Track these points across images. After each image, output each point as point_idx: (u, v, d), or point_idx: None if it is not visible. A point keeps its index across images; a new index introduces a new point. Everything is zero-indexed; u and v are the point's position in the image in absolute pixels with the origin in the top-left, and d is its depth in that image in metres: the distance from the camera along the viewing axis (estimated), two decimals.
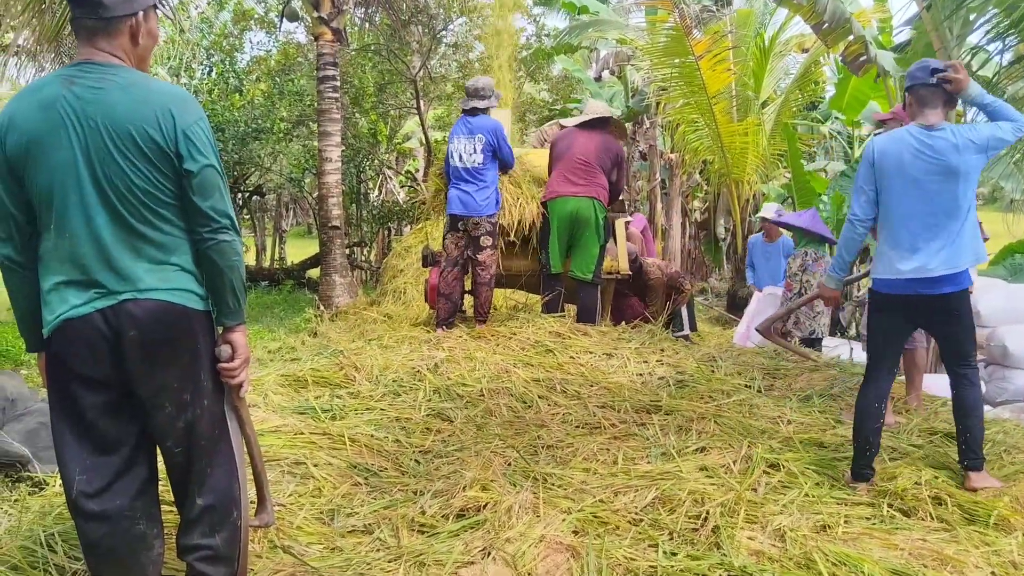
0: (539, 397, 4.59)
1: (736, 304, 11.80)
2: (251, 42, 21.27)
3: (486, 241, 5.98)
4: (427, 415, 4.32)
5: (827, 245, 6.91)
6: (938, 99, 3.39)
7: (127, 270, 2.06)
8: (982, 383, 5.36)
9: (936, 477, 3.43)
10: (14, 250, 2.11)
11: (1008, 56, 7.31)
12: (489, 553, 2.78)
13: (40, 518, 2.87)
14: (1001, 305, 6.49)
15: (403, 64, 14.70)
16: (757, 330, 5.10)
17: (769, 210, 8.09)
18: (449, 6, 14.32)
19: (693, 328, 8.16)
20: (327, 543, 2.92)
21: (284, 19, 11.70)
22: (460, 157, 5.94)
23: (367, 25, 14.05)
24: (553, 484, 3.40)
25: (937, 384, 5.23)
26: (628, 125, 13.54)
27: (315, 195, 13.42)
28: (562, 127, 6.88)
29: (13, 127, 2.04)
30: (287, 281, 14.91)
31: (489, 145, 5.90)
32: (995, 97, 3.43)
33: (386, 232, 17.83)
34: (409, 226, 16.59)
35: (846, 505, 3.24)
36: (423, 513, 3.13)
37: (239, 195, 17.02)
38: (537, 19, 17.95)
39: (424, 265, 6.79)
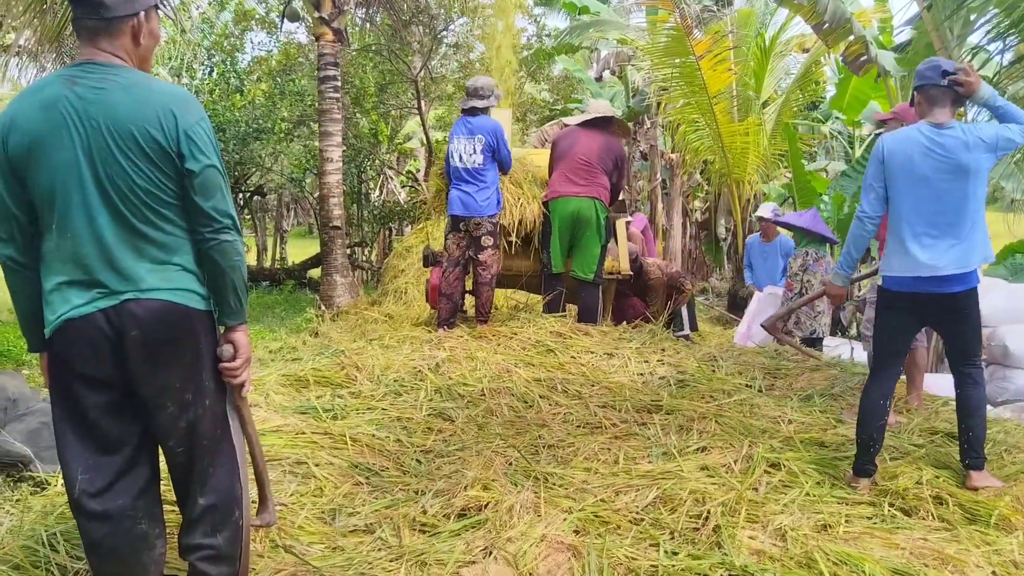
0: (540, 397, 4.60)
1: (737, 304, 11.80)
2: (252, 42, 21.24)
3: (487, 241, 5.98)
4: (428, 415, 4.32)
5: (828, 245, 6.91)
6: (947, 98, 3.39)
7: (129, 270, 2.06)
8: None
9: (937, 477, 3.44)
10: (16, 250, 2.11)
11: (1008, 56, 7.32)
12: (490, 552, 2.78)
13: (42, 518, 2.88)
14: (1001, 305, 6.47)
15: (404, 64, 14.70)
16: (763, 326, 5.12)
17: (766, 210, 8.10)
18: (450, 6, 14.32)
19: (694, 328, 8.16)
20: (329, 543, 2.92)
21: (285, 19, 11.70)
22: (460, 157, 5.94)
23: (368, 25, 14.05)
24: (554, 483, 3.40)
25: (938, 384, 5.23)
26: (629, 124, 13.52)
27: (316, 195, 13.42)
28: (565, 125, 6.87)
29: (15, 127, 2.04)
30: (288, 281, 14.92)
31: (489, 146, 5.90)
32: (1006, 100, 3.43)
33: (387, 232, 17.83)
34: (410, 226, 16.60)
35: (847, 504, 3.24)
36: (424, 512, 3.13)
37: (240, 195, 17.03)
38: (538, 19, 17.97)
39: (425, 265, 6.79)
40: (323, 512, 3.15)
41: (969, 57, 8.09)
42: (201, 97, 14.16)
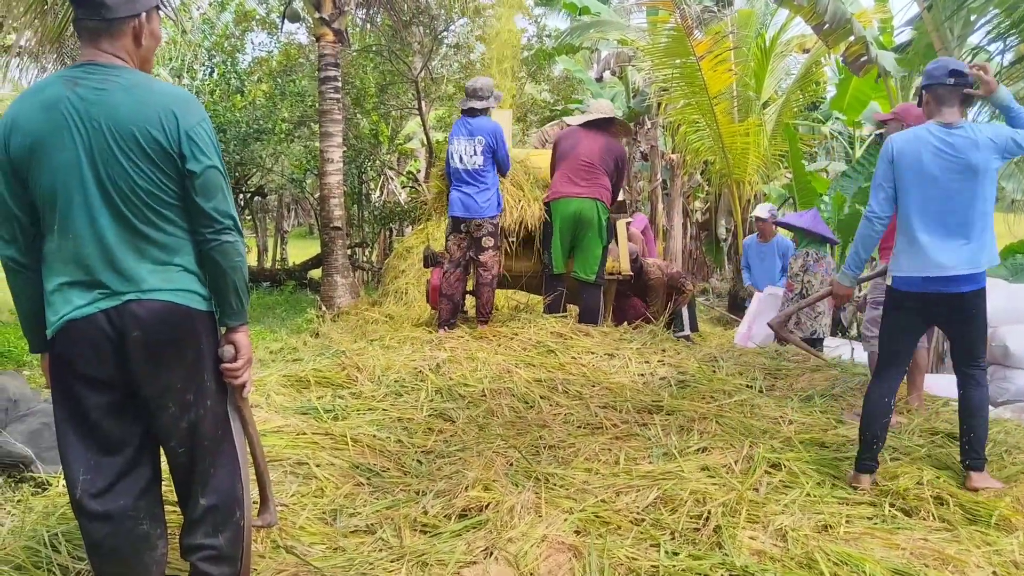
0: (541, 397, 4.60)
1: (737, 304, 11.80)
2: (253, 43, 21.30)
3: (488, 242, 5.98)
4: (429, 415, 4.32)
5: (828, 245, 6.91)
6: (956, 98, 3.40)
7: (131, 271, 2.07)
8: None
9: (938, 477, 3.44)
10: (18, 251, 2.11)
11: (1009, 56, 7.32)
12: (491, 553, 2.79)
13: (43, 518, 2.88)
14: (1002, 305, 6.48)
15: (404, 65, 14.70)
16: (770, 325, 5.13)
17: (763, 210, 8.11)
18: (450, 7, 14.32)
19: (694, 328, 8.16)
20: (330, 543, 2.93)
21: (285, 20, 11.71)
22: (460, 159, 5.94)
23: (368, 26, 14.06)
24: (555, 484, 3.40)
25: (938, 384, 5.23)
26: (630, 124, 13.52)
27: (317, 196, 13.43)
28: (566, 125, 6.87)
29: (16, 128, 2.04)
30: (289, 282, 14.92)
31: (489, 147, 5.90)
32: (1021, 105, 3.43)
33: (388, 233, 17.84)
34: (411, 227, 16.61)
35: (848, 505, 3.24)
36: (425, 513, 3.13)
37: (241, 196, 17.03)
38: (538, 20, 17.96)
39: (425, 266, 6.79)
40: (324, 512, 3.15)
41: (969, 58, 8.08)
42: (202, 98, 14.17)
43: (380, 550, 2.87)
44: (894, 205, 3.49)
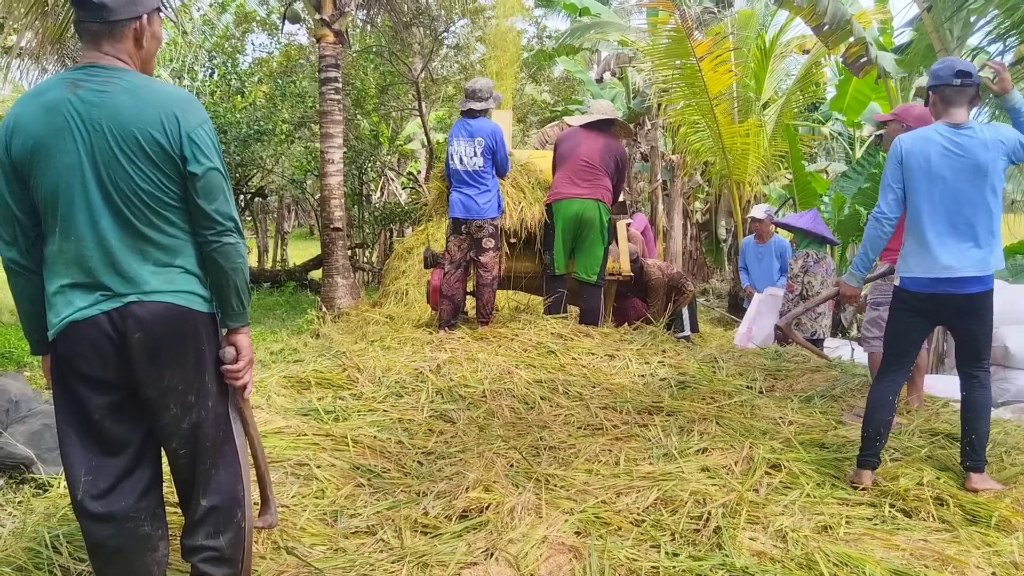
0: (541, 398, 4.60)
1: (737, 305, 11.80)
2: (253, 44, 21.33)
3: (489, 243, 5.99)
4: (430, 416, 4.33)
5: (828, 246, 6.91)
6: (964, 98, 3.40)
7: (132, 273, 2.07)
8: None
9: (938, 478, 3.45)
10: (19, 253, 2.12)
11: (1009, 57, 7.32)
12: (492, 554, 2.79)
13: (45, 520, 2.88)
14: (1001, 306, 6.46)
15: (405, 66, 14.71)
16: (778, 327, 5.14)
17: (759, 211, 8.11)
18: (451, 8, 14.34)
19: (695, 329, 8.16)
20: (330, 544, 2.93)
21: (286, 21, 11.72)
22: (460, 160, 5.94)
23: (369, 27, 14.07)
24: (555, 485, 3.41)
25: (937, 385, 5.24)
26: (631, 125, 13.53)
27: (317, 197, 13.44)
28: (567, 125, 6.87)
29: (18, 130, 2.05)
30: (289, 283, 14.91)
31: (489, 148, 5.90)
32: None
33: (388, 234, 17.84)
34: (411, 228, 16.61)
35: (848, 506, 3.25)
36: (426, 514, 3.14)
37: (241, 197, 17.04)
38: (538, 21, 17.98)
39: (426, 267, 6.79)
40: (325, 513, 3.16)
41: (969, 59, 8.09)
42: (202, 99, 14.17)
43: (381, 551, 2.88)
44: (903, 206, 3.49)
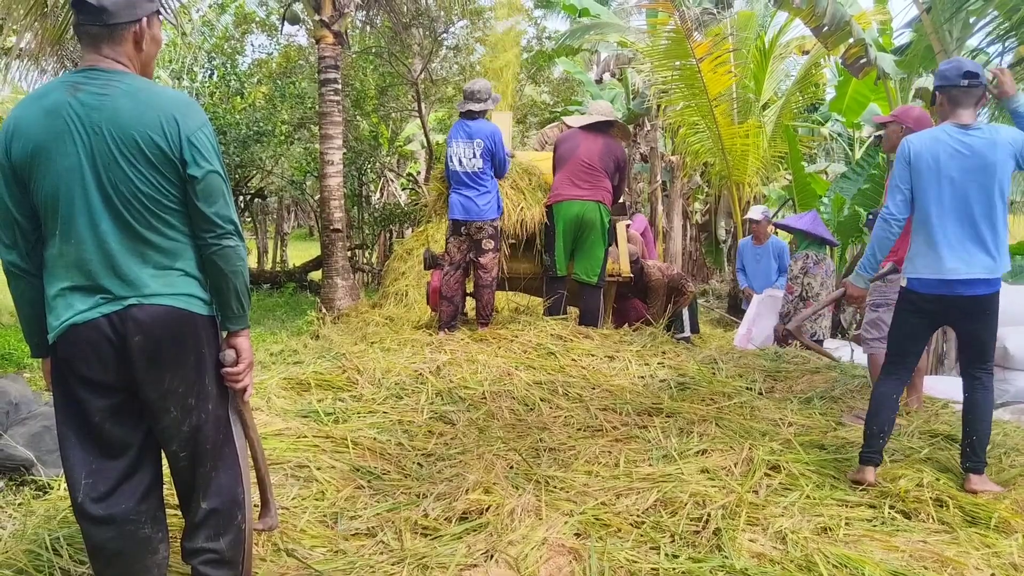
0: (541, 400, 4.61)
1: (737, 306, 11.79)
2: (252, 45, 21.34)
3: (488, 244, 5.99)
4: (429, 418, 4.33)
5: (828, 247, 6.92)
6: (971, 99, 3.40)
7: (132, 275, 2.08)
8: None
9: (938, 479, 3.45)
10: (19, 256, 2.12)
11: (1008, 58, 7.32)
12: (492, 556, 2.79)
13: (45, 522, 2.89)
14: (1001, 307, 6.47)
15: (404, 67, 14.72)
16: (788, 330, 5.15)
17: (756, 212, 8.11)
18: (450, 9, 14.34)
19: (695, 330, 8.16)
20: (330, 546, 2.93)
21: (285, 22, 11.72)
22: (460, 161, 5.94)
23: (368, 28, 14.07)
24: (555, 487, 3.41)
25: (937, 386, 5.24)
26: (629, 127, 13.54)
27: (317, 198, 13.43)
28: (567, 126, 6.87)
29: (18, 133, 2.05)
30: (289, 284, 14.92)
31: (488, 150, 5.89)
32: None
33: (387, 235, 17.85)
34: (411, 229, 16.62)
35: (847, 507, 3.25)
36: (426, 516, 3.14)
37: (241, 198, 17.04)
38: (538, 22, 17.98)
39: (425, 268, 6.80)
40: (325, 515, 3.16)
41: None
42: (201, 100, 14.18)
43: (381, 553, 2.88)
44: (911, 207, 3.49)
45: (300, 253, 20.62)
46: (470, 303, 6.48)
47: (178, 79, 15.11)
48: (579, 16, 14.09)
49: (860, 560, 2.75)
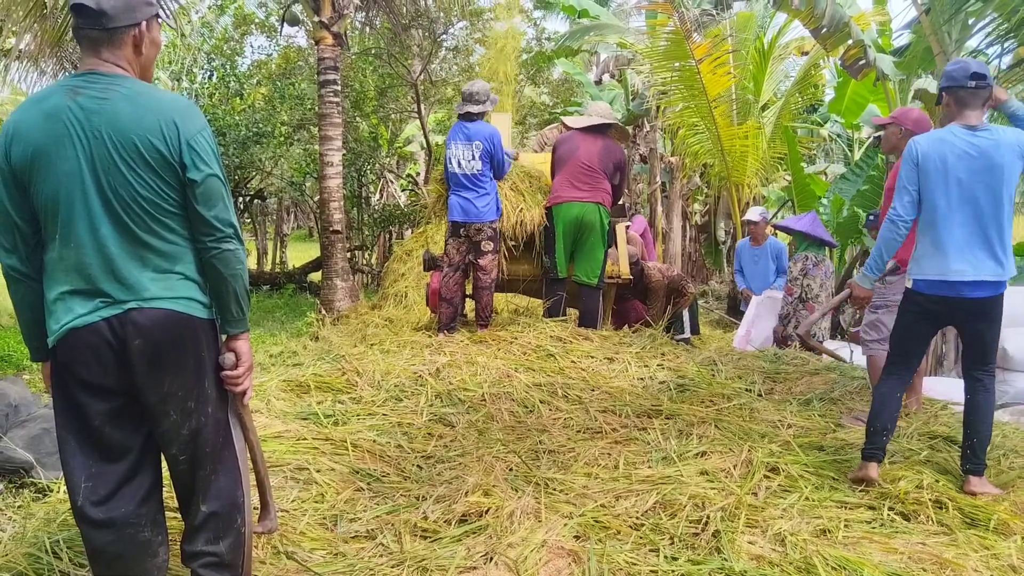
0: (540, 402, 4.61)
1: (736, 307, 11.80)
2: (252, 46, 21.31)
3: (487, 246, 5.99)
4: (429, 420, 4.33)
5: (827, 249, 6.92)
6: (978, 100, 3.40)
7: (132, 279, 2.08)
8: None
9: (937, 481, 3.45)
10: (19, 260, 2.13)
11: (1007, 60, 7.34)
12: (491, 558, 2.80)
13: (45, 525, 2.89)
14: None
15: (404, 68, 14.73)
16: (797, 335, 5.15)
17: (754, 213, 8.11)
18: (449, 10, 14.35)
19: (695, 331, 8.16)
20: (330, 548, 2.93)
21: (285, 23, 11.71)
22: (459, 164, 5.94)
23: (368, 29, 14.08)
24: (555, 489, 3.41)
25: (936, 388, 5.23)
26: (628, 128, 13.54)
27: (316, 199, 13.44)
28: (566, 127, 6.86)
29: (18, 137, 2.05)
30: (288, 285, 14.93)
31: (487, 152, 5.90)
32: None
33: (387, 236, 17.85)
34: (410, 230, 16.62)
35: (846, 509, 3.25)
36: (425, 518, 3.14)
37: (240, 199, 17.05)
38: (537, 23, 18.00)
39: (425, 269, 6.80)
40: (325, 518, 3.16)
41: None
42: (201, 101, 14.18)
43: (380, 555, 2.88)
44: (918, 208, 3.49)
45: (299, 254, 20.63)
46: (470, 305, 6.48)
47: (177, 80, 15.12)
48: (579, 17, 14.09)
49: (859, 562, 2.75)
